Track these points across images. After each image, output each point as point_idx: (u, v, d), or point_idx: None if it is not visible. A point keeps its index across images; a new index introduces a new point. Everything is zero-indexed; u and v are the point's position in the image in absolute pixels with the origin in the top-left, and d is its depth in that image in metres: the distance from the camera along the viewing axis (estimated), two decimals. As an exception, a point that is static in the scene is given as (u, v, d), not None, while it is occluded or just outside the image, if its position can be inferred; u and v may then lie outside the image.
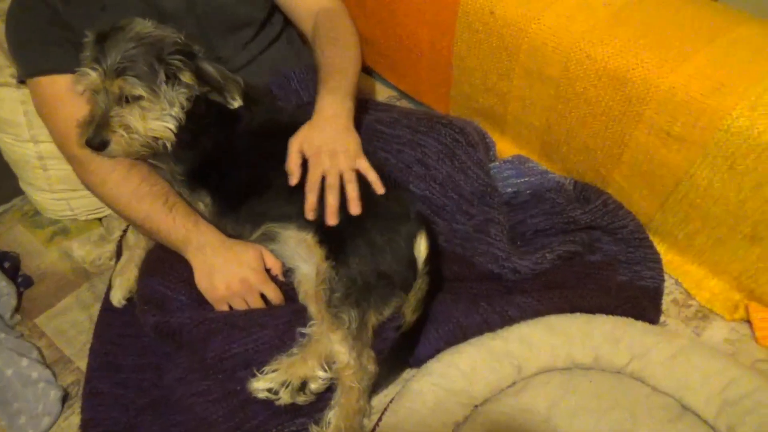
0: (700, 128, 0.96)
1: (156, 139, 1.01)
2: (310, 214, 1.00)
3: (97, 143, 0.97)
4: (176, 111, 1.02)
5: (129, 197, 1.01)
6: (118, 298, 1.07)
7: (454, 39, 1.28)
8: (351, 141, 1.03)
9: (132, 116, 0.98)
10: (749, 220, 0.97)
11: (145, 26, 1.01)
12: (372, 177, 1.02)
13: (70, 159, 1.06)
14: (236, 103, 1.05)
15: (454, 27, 1.26)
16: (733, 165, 0.94)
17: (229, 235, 1.05)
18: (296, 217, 1.02)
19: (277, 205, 1.04)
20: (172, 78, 1.00)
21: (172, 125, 1.01)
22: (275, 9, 1.26)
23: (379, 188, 1.02)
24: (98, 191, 1.05)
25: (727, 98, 0.92)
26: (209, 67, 1.03)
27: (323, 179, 1.00)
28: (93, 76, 0.96)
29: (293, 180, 1.01)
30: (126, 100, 0.98)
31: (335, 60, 1.12)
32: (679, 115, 0.97)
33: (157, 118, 1.00)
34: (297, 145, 1.01)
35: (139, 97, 0.98)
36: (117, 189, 1.02)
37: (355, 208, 0.99)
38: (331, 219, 0.99)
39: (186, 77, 1.01)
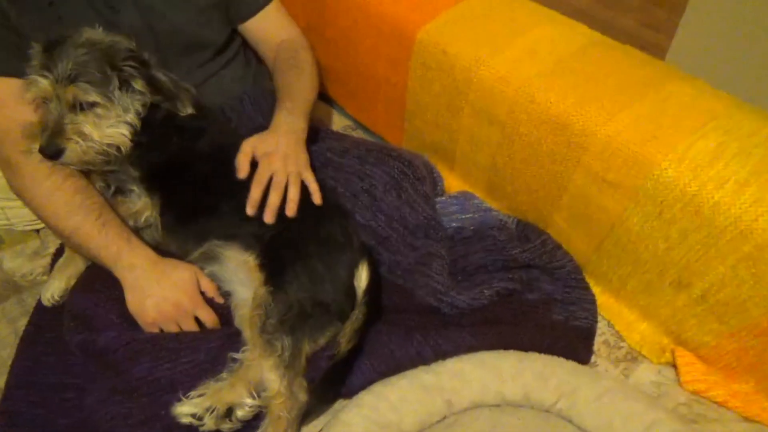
0: (633, 176, 1.00)
1: (111, 145, 1.00)
2: (250, 210, 1.02)
3: (53, 151, 0.95)
4: (131, 117, 1.01)
5: (60, 207, 0.99)
6: (50, 294, 1.03)
7: (409, 75, 1.31)
8: (302, 153, 1.09)
9: (87, 123, 0.97)
10: (675, 267, 1.01)
11: (95, 33, 1.00)
12: (314, 187, 1.06)
13: (3, 162, 1.02)
14: (187, 110, 1.07)
15: (408, 63, 1.29)
16: (661, 213, 0.99)
17: (172, 254, 1.04)
18: (240, 237, 1.02)
19: (224, 226, 1.04)
20: (125, 85, 1.00)
21: (126, 131, 1.01)
22: (235, 33, 1.27)
23: (317, 198, 1.06)
24: (28, 198, 1.02)
25: (658, 150, 0.97)
26: (161, 76, 1.04)
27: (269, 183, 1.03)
28: (44, 83, 0.95)
29: (241, 174, 1.04)
30: (80, 107, 0.97)
31: (293, 84, 1.18)
32: (614, 162, 1.02)
33: (112, 125, 0.99)
34: (250, 144, 1.06)
35: (94, 104, 0.97)
36: (48, 198, 0.99)
37: (290, 211, 1.03)
38: (269, 217, 1.01)
39: (138, 85, 1.01)
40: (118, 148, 1.01)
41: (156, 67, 1.04)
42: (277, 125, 1.09)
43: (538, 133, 1.12)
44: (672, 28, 2.12)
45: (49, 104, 0.97)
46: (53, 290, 1.04)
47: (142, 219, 1.05)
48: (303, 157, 1.08)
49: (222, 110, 1.23)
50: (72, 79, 0.94)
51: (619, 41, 1.19)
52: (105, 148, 1.00)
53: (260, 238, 1.02)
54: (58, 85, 0.95)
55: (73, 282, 1.04)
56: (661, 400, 1.02)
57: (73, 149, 0.96)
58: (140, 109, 1.02)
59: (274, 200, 1.01)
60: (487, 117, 1.20)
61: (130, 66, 1.00)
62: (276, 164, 1.03)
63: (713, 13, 2.00)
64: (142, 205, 1.06)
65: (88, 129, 0.97)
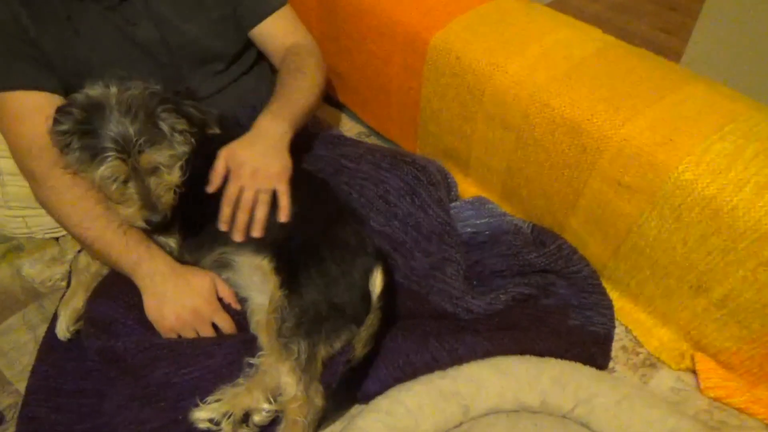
0: (649, 180, 0.99)
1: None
2: (223, 226, 1.02)
3: (159, 219, 0.98)
4: (188, 149, 1.03)
5: (82, 216, 1.00)
6: (63, 329, 1.04)
7: (422, 81, 1.32)
8: (276, 162, 1.03)
9: (166, 177, 0.99)
10: (695, 272, 1.00)
11: (114, 93, 0.98)
12: (283, 203, 1.03)
13: (28, 174, 1.05)
14: (215, 131, 1.08)
15: (422, 69, 1.30)
16: (679, 217, 0.98)
17: (186, 261, 1.05)
18: (251, 240, 1.02)
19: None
20: (171, 129, 1.01)
21: (183, 162, 1.03)
22: (249, 44, 1.29)
23: (284, 216, 1.02)
24: (52, 208, 1.04)
25: (674, 153, 0.96)
26: (189, 108, 1.05)
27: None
28: (117, 165, 0.94)
29: (211, 188, 1.02)
30: (154, 168, 0.98)
31: (286, 87, 1.15)
32: (630, 166, 1.01)
33: (178, 166, 1.01)
34: (224, 156, 1.03)
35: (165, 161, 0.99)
36: (72, 207, 1.01)
37: (257, 232, 1.01)
38: (238, 236, 1.01)
39: (182, 124, 1.02)
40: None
41: (180, 100, 1.05)
42: (256, 126, 1.06)
43: (552, 138, 1.12)
44: (687, 31, 2.11)
45: (128, 182, 0.97)
46: (63, 327, 1.04)
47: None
48: (276, 167, 1.03)
49: (237, 120, 1.24)
50: (140, 149, 0.95)
51: (634, 46, 1.19)
52: (180, 186, 1.02)
53: (271, 240, 1.03)
54: (131, 160, 0.95)
55: (81, 313, 1.05)
56: (681, 406, 1.01)
57: (171, 204, 0.99)
58: (192, 139, 1.03)
59: (240, 221, 1.01)
60: (502, 122, 1.20)
61: (168, 110, 1.00)
62: (245, 179, 1.01)
63: (728, 17, 1.99)
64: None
65: (169, 180, 0.99)
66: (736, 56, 2.00)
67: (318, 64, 1.24)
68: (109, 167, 0.93)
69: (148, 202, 0.96)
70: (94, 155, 0.94)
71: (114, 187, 0.96)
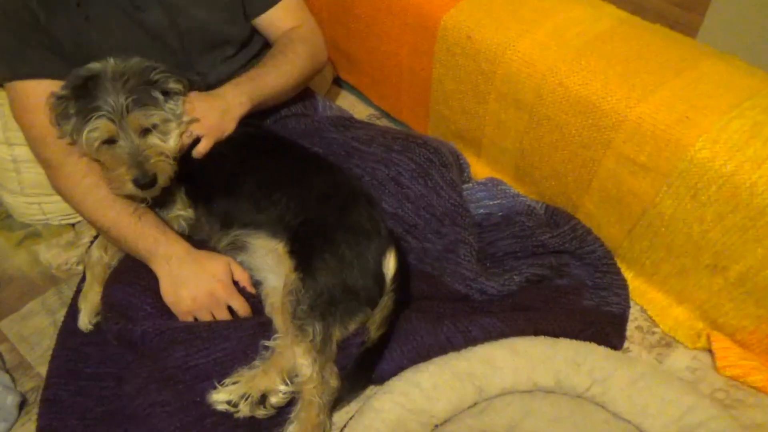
0: (665, 158, 0.98)
1: (181, 151, 1.03)
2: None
3: (147, 180, 0.97)
4: (186, 119, 1.04)
5: (98, 203, 1.01)
6: (85, 322, 1.05)
7: (433, 62, 1.30)
8: (219, 119, 1.07)
9: (160, 141, 0.99)
10: (711, 251, 0.99)
11: (112, 64, 0.99)
12: (199, 148, 1.06)
13: (44, 162, 1.06)
14: None
15: (433, 50, 1.28)
16: (695, 195, 0.96)
17: (201, 243, 1.06)
18: (266, 224, 1.03)
19: (247, 211, 1.06)
20: (165, 94, 1.01)
21: (183, 133, 1.03)
22: (256, 29, 1.28)
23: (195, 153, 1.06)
24: (69, 195, 1.05)
25: (691, 130, 0.95)
26: (191, 76, 1.06)
27: None
28: (105, 123, 0.95)
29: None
30: (145, 130, 0.99)
31: (260, 66, 1.18)
32: (646, 144, 1.00)
33: (176, 134, 1.02)
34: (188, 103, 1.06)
35: (156, 124, 0.99)
36: (87, 194, 1.02)
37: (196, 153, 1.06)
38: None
39: (175, 84, 1.02)
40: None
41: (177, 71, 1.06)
42: (217, 91, 1.11)
43: (566, 117, 1.10)
44: (703, 6, 2.06)
45: (117, 142, 0.97)
46: (86, 321, 1.06)
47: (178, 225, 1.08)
48: (215, 120, 1.07)
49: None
50: (129, 109, 0.95)
51: (649, 21, 1.16)
52: (177, 156, 1.02)
53: (286, 224, 1.03)
54: (121, 118, 0.95)
55: (99, 305, 1.06)
56: (697, 385, 1.01)
57: (163, 169, 0.99)
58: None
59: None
60: (514, 102, 1.18)
61: (162, 74, 1.00)
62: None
63: (746, -10, 1.94)
64: (173, 216, 1.09)
65: (163, 146, 0.99)
66: (754, 31, 1.95)
67: (308, 51, 1.23)
68: (95, 125, 0.94)
69: (135, 161, 0.96)
70: (86, 118, 0.95)
71: (97, 145, 0.97)
